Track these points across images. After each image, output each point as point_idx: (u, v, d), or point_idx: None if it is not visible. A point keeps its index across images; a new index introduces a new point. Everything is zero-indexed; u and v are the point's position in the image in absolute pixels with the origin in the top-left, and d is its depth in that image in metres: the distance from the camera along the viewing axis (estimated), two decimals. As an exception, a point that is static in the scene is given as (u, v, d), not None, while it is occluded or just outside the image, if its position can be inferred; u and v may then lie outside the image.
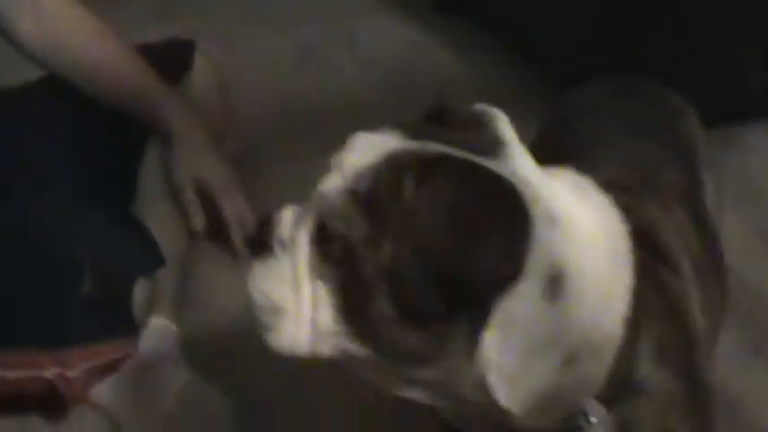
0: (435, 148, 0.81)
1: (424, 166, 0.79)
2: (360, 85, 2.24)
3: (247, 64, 2.25)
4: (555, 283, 0.78)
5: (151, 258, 1.41)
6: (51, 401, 1.33)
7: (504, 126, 0.86)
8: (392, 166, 0.80)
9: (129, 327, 1.34)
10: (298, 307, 0.84)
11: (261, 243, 0.87)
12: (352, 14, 2.46)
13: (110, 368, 1.34)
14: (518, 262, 0.76)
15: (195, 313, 1.56)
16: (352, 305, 0.81)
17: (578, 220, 0.82)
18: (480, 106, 0.88)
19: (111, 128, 1.53)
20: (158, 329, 1.40)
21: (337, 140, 1.97)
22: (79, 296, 1.29)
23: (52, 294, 1.29)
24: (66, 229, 1.36)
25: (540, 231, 0.78)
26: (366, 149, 0.82)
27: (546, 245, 0.78)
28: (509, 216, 0.78)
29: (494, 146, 0.83)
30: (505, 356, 0.79)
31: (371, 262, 0.78)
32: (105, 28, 1.55)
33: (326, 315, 0.83)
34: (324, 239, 0.82)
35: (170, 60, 1.71)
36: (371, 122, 2.09)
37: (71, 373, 1.29)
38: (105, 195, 1.47)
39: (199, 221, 1.52)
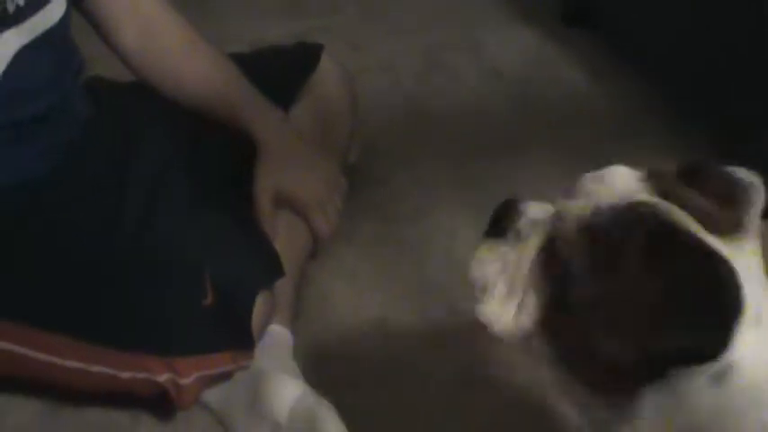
0: (676, 214, 0.84)
1: (657, 232, 0.82)
2: (482, 93, 2.22)
3: (371, 64, 2.25)
4: (724, 371, 0.81)
5: (271, 269, 1.41)
6: (162, 403, 1.35)
7: (757, 209, 0.88)
8: (630, 217, 0.84)
9: (245, 338, 1.34)
10: (508, 297, 0.93)
11: (499, 224, 0.95)
12: (478, 22, 2.44)
13: (223, 377, 1.35)
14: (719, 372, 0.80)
15: (310, 323, 1.56)
16: (551, 318, 0.89)
17: None
18: (745, 175, 0.90)
19: (229, 134, 1.53)
20: (275, 338, 1.41)
21: (456, 147, 1.99)
22: (199, 306, 1.29)
23: (171, 302, 1.30)
24: (190, 236, 1.36)
25: (744, 331, 0.80)
26: (613, 191, 0.87)
27: (742, 344, 0.80)
28: (723, 318, 0.79)
29: (734, 228, 0.85)
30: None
31: (581, 294, 0.85)
32: (200, 39, 1.56)
33: (528, 317, 0.91)
34: (550, 254, 0.89)
35: (297, 63, 1.72)
36: (493, 131, 2.08)
37: (183, 381, 1.30)
38: (225, 202, 1.48)
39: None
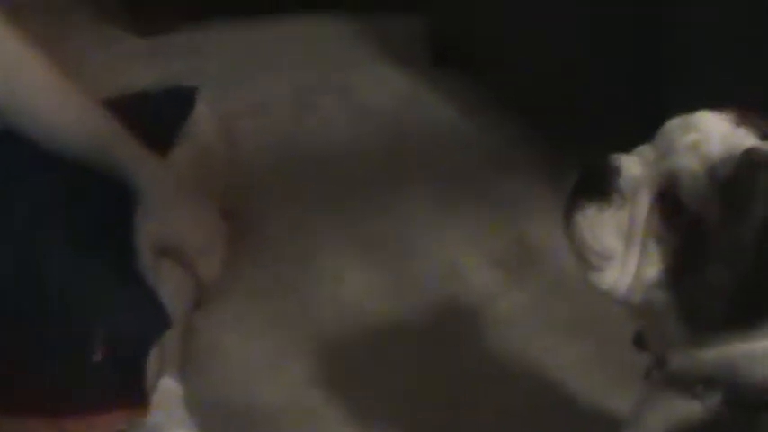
0: None
1: None
2: (354, 133, 2.21)
3: (241, 107, 2.21)
4: None
5: (159, 320, 1.35)
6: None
7: None
8: (749, 163, 0.89)
9: (139, 394, 1.28)
10: (626, 257, 0.95)
11: (598, 188, 0.97)
12: (347, 63, 2.43)
13: (115, 436, 1.28)
14: None
15: (201, 374, 1.51)
16: (683, 267, 0.92)
17: None
18: None
19: (104, 178, 1.47)
20: (167, 393, 1.35)
21: (333, 188, 1.98)
22: (88, 362, 1.23)
23: (58, 359, 1.23)
24: (73, 290, 1.29)
25: None
26: (719, 137, 0.92)
27: None
28: None
29: None
30: None
31: (718, 242, 0.89)
32: (70, 84, 1.49)
33: (653, 269, 0.94)
34: (672, 209, 0.92)
35: (172, 107, 1.67)
36: (369, 171, 2.08)
37: (73, 442, 1.23)
38: (108, 252, 1.41)
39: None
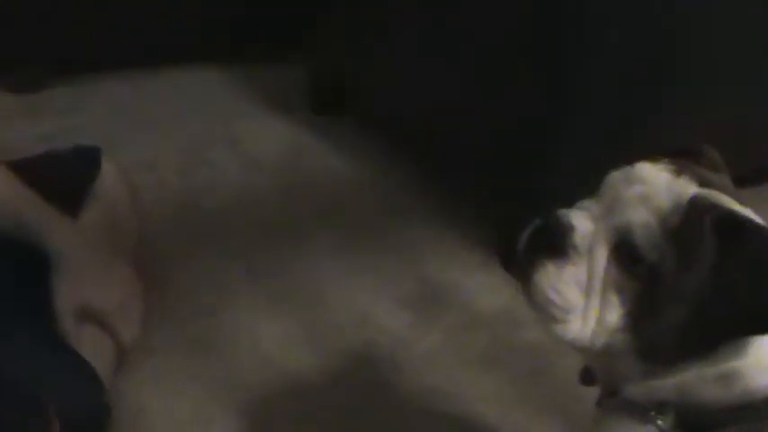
0: (724, 198, 0.97)
1: (721, 219, 0.94)
2: (247, 185, 2.22)
3: (130, 163, 2.18)
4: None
5: (97, 385, 1.33)
6: None
7: None
8: (696, 210, 0.95)
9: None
10: (587, 308, 0.99)
11: (554, 246, 1.00)
12: (231, 114, 2.44)
13: None
14: None
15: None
16: (643, 311, 0.96)
17: None
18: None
19: (15, 244, 1.44)
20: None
21: (233, 241, 1.97)
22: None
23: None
24: (20, 368, 1.25)
25: None
26: (665, 188, 0.97)
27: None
28: None
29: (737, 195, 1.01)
30: None
31: (675, 285, 0.93)
32: None
33: (614, 316, 0.98)
34: (629, 259, 0.97)
35: (78, 168, 1.65)
36: (267, 222, 2.08)
37: None
38: (24, 317, 1.37)
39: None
